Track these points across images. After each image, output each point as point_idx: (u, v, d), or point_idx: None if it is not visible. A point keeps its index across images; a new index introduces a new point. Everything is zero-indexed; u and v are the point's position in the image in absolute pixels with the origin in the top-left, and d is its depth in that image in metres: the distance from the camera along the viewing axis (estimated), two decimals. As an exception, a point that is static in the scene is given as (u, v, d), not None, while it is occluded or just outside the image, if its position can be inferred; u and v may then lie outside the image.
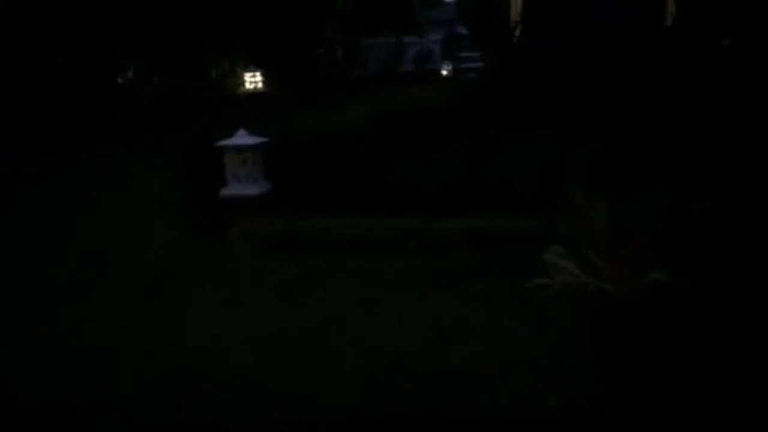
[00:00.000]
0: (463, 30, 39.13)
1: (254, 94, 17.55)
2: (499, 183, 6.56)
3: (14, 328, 4.71)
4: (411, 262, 5.52)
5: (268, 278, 5.40)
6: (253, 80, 17.82)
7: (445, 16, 41.69)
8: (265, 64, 18.22)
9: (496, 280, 4.82)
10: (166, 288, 5.36)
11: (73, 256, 6.37)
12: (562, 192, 6.07)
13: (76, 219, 7.83)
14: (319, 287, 5.11)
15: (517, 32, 15.38)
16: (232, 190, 6.69)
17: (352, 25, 30.31)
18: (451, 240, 5.91)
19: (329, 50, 30.01)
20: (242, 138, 6.71)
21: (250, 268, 5.67)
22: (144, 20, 15.29)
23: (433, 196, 6.55)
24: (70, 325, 4.66)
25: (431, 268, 5.33)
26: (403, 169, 7.34)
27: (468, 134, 8.94)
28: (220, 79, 17.64)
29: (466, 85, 17.58)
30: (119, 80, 16.91)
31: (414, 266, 5.41)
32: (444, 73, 30.93)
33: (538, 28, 12.39)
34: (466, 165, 7.18)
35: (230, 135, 6.86)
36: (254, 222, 6.43)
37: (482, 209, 6.17)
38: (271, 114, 13.36)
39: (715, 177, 5.98)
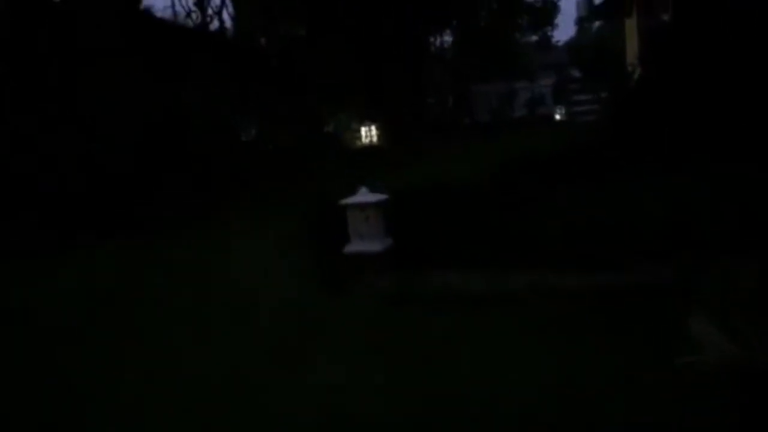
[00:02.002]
0: (575, 73, 38.68)
1: (370, 146, 18.03)
2: (625, 233, 6.34)
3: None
4: (535, 318, 5.40)
5: (394, 333, 5.43)
6: (368, 133, 18.33)
7: (556, 59, 41.36)
8: (379, 117, 18.71)
9: (632, 344, 4.56)
10: (296, 342, 5.48)
11: (206, 307, 6.65)
12: (694, 245, 5.87)
13: (205, 269, 8.18)
14: (446, 343, 5.10)
15: (636, 74, 15.01)
16: (355, 246, 6.85)
17: (463, 72, 30.67)
18: (576, 293, 5.75)
19: (441, 98, 30.48)
20: (364, 196, 6.89)
21: (375, 323, 5.73)
22: (270, 83, 16.26)
23: (555, 248, 6.41)
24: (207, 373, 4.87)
25: (557, 325, 5.18)
26: (522, 219, 7.24)
27: (589, 181, 8.71)
28: (339, 132, 18.29)
29: (581, 129, 17.22)
30: (243, 137, 17.86)
31: (539, 323, 5.28)
32: (557, 117, 30.54)
33: (658, 70, 11.99)
34: (588, 214, 6.99)
35: (352, 192, 7.07)
36: (377, 278, 6.53)
37: (607, 260, 5.98)
38: (387, 166, 13.61)
39: None
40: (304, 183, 12.33)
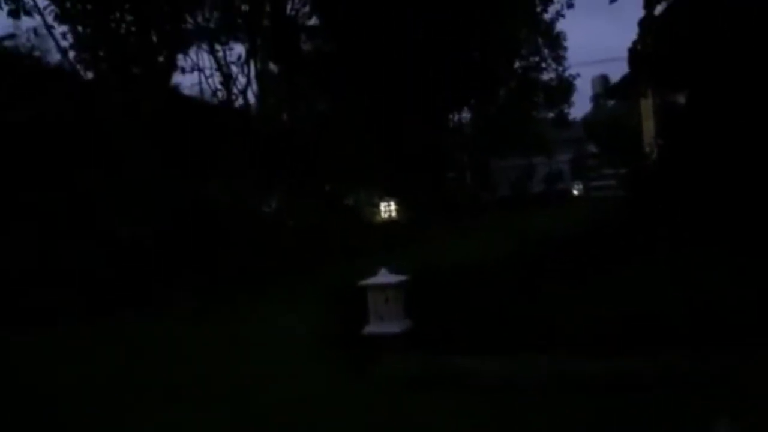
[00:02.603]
0: (592, 149, 39.12)
1: (389, 221, 18.19)
2: (649, 319, 6.27)
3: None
4: (556, 408, 5.28)
5: (410, 422, 5.35)
6: (387, 209, 18.53)
7: (573, 135, 41.91)
8: (398, 193, 18.96)
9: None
10: (314, 425, 5.41)
11: (218, 389, 6.59)
12: (718, 335, 5.79)
13: (221, 349, 8.15)
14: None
15: (653, 154, 15.14)
16: (375, 328, 6.83)
17: (482, 148, 31.14)
18: (599, 382, 5.65)
19: (460, 174, 30.84)
20: (384, 277, 6.91)
21: (394, 407, 5.65)
22: (292, 158, 16.67)
23: (577, 333, 6.34)
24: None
25: (579, 418, 5.06)
26: (543, 303, 7.20)
27: (611, 264, 8.69)
28: (358, 208, 18.51)
29: (600, 207, 17.26)
30: (264, 209, 18.09)
31: (559, 414, 5.17)
32: (575, 192, 30.69)
33: (676, 153, 12.11)
34: (610, 299, 6.95)
35: (372, 272, 7.10)
36: (397, 360, 6.47)
37: (631, 347, 5.89)
38: (406, 243, 13.69)
39: None
40: (324, 260, 12.40)
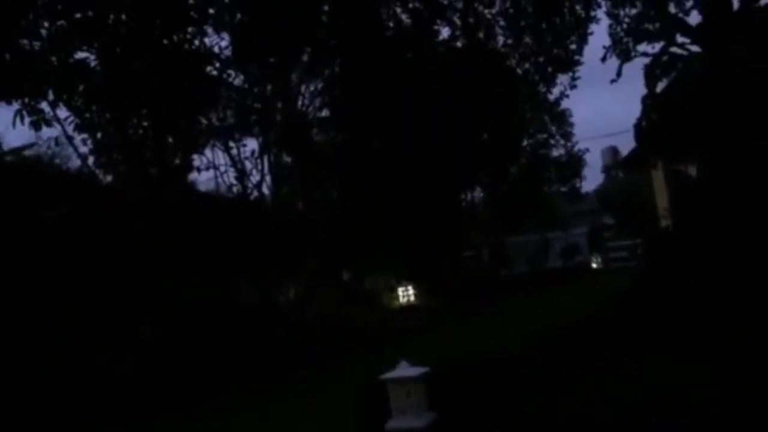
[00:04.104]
0: (608, 220, 39.11)
1: (408, 307, 18.12)
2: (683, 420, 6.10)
3: None
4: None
5: None
6: (406, 293, 18.48)
7: (587, 207, 41.97)
8: (416, 277, 18.97)
9: None
10: None
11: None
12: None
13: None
14: None
15: (669, 226, 15.15)
16: (397, 422, 6.72)
17: (497, 225, 31.26)
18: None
19: (476, 252, 30.83)
20: (405, 370, 6.85)
21: None
22: (309, 247, 16.84)
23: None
24: None
25: None
26: (567, 398, 7.07)
27: (634, 349, 8.54)
28: (376, 294, 18.50)
29: (620, 280, 17.10)
30: (283, 300, 18.13)
31: None
32: (594, 266, 30.43)
33: (690, 228, 12.11)
34: (640, 397, 6.80)
35: (392, 365, 7.05)
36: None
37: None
38: (426, 331, 13.61)
39: None
40: (343, 353, 12.33)
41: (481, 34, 23.05)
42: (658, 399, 6.61)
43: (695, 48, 15.01)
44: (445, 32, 23.10)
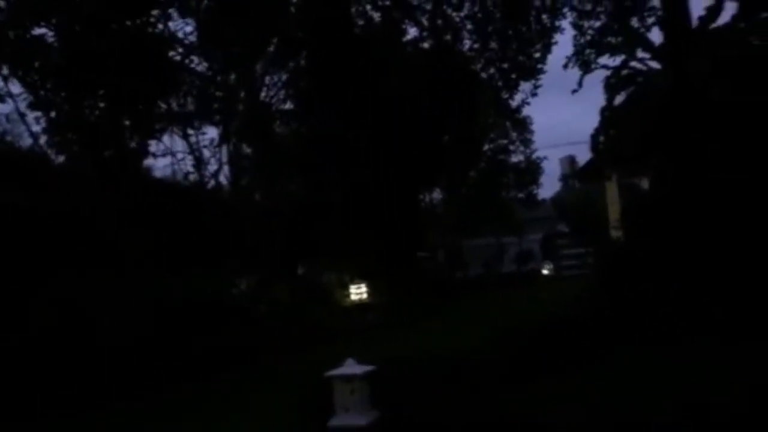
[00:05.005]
0: (562, 228, 39.64)
1: (361, 304, 18.11)
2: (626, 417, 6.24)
3: None
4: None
5: None
6: (358, 291, 18.46)
7: (543, 214, 42.50)
8: (370, 275, 18.96)
9: None
10: None
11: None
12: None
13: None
14: None
15: (620, 237, 15.44)
16: (341, 420, 6.72)
17: (454, 227, 31.49)
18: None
19: (433, 254, 31.01)
20: (351, 367, 6.85)
21: None
22: (265, 242, 16.74)
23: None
24: None
25: None
26: (515, 398, 7.17)
27: (581, 354, 8.70)
28: (329, 291, 18.44)
29: (571, 288, 17.41)
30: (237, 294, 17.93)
31: None
32: (545, 272, 30.85)
33: (639, 238, 12.39)
34: (590, 399, 6.93)
35: (339, 362, 7.05)
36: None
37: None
38: (377, 328, 13.64)
39: None
40: (294, 348, 12.27)
41: (448, 37, 23.16)
42: (605, 405, 6.76)
43: (654, 64, 15.36)
44: (413, 32, 23.19)
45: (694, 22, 13.72)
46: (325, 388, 7.00)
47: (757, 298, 8.84)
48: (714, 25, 13.62)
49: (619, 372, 8.05)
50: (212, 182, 18.12)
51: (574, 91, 17.52)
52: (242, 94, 19.58)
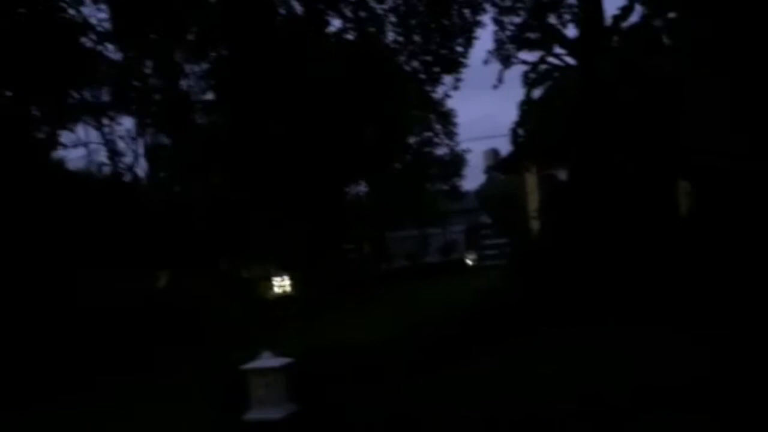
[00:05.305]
0: (485, 219, 40.43)
1: (284, 297, 17.96)
2: (530, 402, 6.45)
3: None
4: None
5: None
6: (281, 284, 18.31)
7: (468, 206, 43.27)
8: (295, 268, 18.84)
9: None
10: None
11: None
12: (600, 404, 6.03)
13: None
14: None
15: (536, 227, 15.88)
16: (256, 414, 6.65)
17: (379, 219, 31.62)
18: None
19: (358, 246, 31.06)
20: (266, 360, 6.78)
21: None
22: (183, 233, 16.31)
23: (465, 416, 6.43)
24: None
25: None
26: (429, 383, 7.28)
27: (497, 344, 8.92)
28: (251, 284, 18.22)
29: (491, 277, 17.80)
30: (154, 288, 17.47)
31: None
32: (469, 262, 31.44)
33: (553, 224, 12.77)
34: (496, 383, 7.12)
35: (256, 355, 6.96)
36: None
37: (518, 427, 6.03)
38: (298, 320, 13.56)
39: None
40: (211, 342, 12.06)
41: (372, 29, 23.13)
42: (515, 390, 6.95)
43: (571, 59, 15.81)
44: (336, 24, 23.04)
45: (609, 20, 14.19)
46: (240, 382, 6.91)
47: (657, 286, 9.28)
48: (625, 24, 14.13)
49: (528, 356, 8.29)
50: (128, 175, 17.51)
51: (495, 87, 17.90)
52: (160, 84, 19.00)
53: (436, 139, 32.49)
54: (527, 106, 16.32)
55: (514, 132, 16.72)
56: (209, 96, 22.27)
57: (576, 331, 9.08)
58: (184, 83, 20.47)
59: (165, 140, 19.87)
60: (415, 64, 23.27)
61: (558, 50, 16.36)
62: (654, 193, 10.51)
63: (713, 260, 9.40)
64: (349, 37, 23.18)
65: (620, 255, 10.23)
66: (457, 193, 35.61)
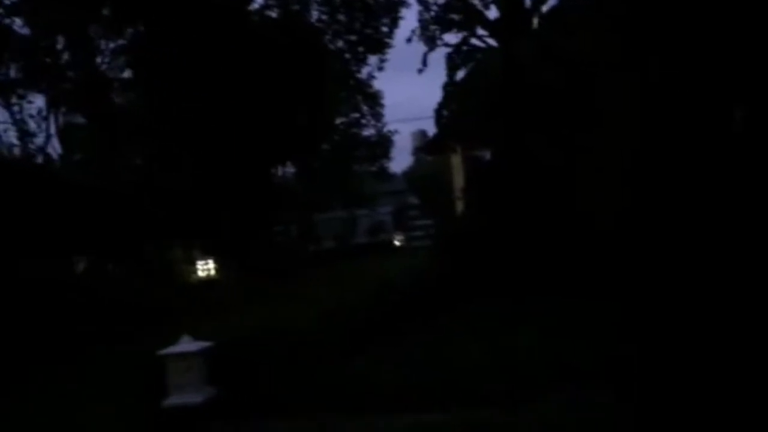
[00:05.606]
0: (413, 200, 40.79)
1: (208, 280, 17.64)
2: (452, 374, 6.60)
3: None
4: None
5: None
6: (205, 267, 17.96)
7: (396, 187, 43.53)
8: (218, 251, 18.49)
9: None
10: None
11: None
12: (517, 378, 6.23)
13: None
14: None
15: (460, 207, 16.13)
16: (175, 399, 6.54)
17: (307, 201, 31.39)
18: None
19: (285, 228, 30.76)
20: (186, 345, 6.67)
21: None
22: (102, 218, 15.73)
23: (384, 392, 6.50)
24: None
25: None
26: (354, 363, 7.33)
27: (422, 321, 9.05)
28: (172, 267, 17.77)
29: (418, 259, 18.01)
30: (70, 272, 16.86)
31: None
32: (397, 243, 31.71)
33: (476, 204, 12.98)
34: (420, 358, 7.23)
35: (175, 340, 6.83)
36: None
37: (439, 401, 6.15)
38: (225, 305, 13.36)
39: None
40: (130, 328, 11.72)
41: (296, 6, 22.80)
42: (438, 365, 7.10)
43: (493, 41, 16.05)
44: (259, 1, 22.58)
45: (529, 2, 14.43)
46: (159, 368, 6.77)
47: (567, 259, 9.61)
48: (544, 6, 14.41)
49: (450, 333, 8.46)
50: (40, 156, 16.73)
51: (420, 71, 17.96)
52: (73, 61, 18.18)
53: (363, 121, 32.35)
54: (451, 88, 16.52)
55: (438, 113, 16.92)
56: (126, 74, 21.51)
57: (496, 306, 9.32)
58: (99, 60, 19.64)
59: (80, 120, 19.04)
60: (340, 43, 23.18)
61: (481, 32, 16.59)
62: (568, 173, 10.80)
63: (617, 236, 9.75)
64: (272, 14, 22.82)
65: (536, 232, 10.51)
66: (385, 175, 35.72)
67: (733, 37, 7.38)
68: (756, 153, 7.33)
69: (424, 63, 18.28)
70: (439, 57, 18.15)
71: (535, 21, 14.59)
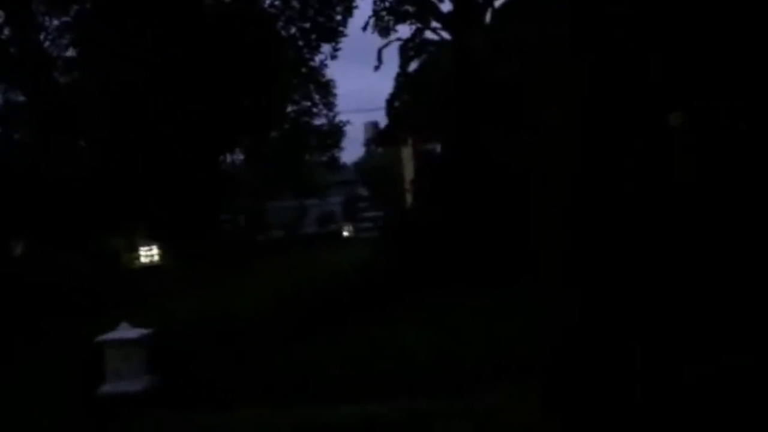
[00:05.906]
0: (363, 192, 40.80)
1: (151, 267, 17.26)
2: (395, 366, 6.63)
3: None
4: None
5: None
6: (148, 254, 17.57)
7: (346, 178, 43.44)
8: (162, 237, 18.10)
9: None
10: None
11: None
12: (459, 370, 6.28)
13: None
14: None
15: (409, 199, 16.18)
16: (112, 387, 6.37)
17: (256, 190, 31.03)
18: (346, 427, 5.78)
19: (233, 216, 30.36)
20: (124, 332, 6.51)
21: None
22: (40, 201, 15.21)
23: (327, 382, 6.48)
24: None
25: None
26: (298, 353, 7.28)
27: (368, 312, 9.04)
28: (114, 253, 17.32)
29: (366, 247, 18.02)
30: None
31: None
32: (345, 234, 31.67)
33: (425, 196, 13.04)
34: (362, 347, 7.23)
35: (113, 326, 6.66)
36: (135, 421, 6.08)
37: (381, 391, 6.15)
38: (168, 293, 13.11)
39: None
40: (66, 315, 11.39)
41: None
42: (382, 356, 7.11)
43: (446, 34, 16.05)
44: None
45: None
46: (96, 355, 6.59)
47: (514, 253, 9.75)
48: (498, 2, 14.48)
49: (394, 324, 8.48)
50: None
51: (377, 68, 17.72)
52: (14, 37, 17.49)
53: (314, 109, 32.12)
54: (403, 79, 16.47)
55: (389, 104, 16.86)
56: (71, 52, 20.82)
57: (443, 298, 9.39)
58: (42, 37, 18.94)
59: (20, 99, 18.35)
60: (293, 30, 22.92)
61: (434, 24, 16.55)
62: (517, 166, 10.93)
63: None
64: (225, -1, 22.41)
65: (485, 226, 10.61)
66: (335, 165, 35.59)
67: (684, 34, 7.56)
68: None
69: (379, 59, 18.09)
70: (393, 48, 18.08)
71: (488, 14, 14.67)
